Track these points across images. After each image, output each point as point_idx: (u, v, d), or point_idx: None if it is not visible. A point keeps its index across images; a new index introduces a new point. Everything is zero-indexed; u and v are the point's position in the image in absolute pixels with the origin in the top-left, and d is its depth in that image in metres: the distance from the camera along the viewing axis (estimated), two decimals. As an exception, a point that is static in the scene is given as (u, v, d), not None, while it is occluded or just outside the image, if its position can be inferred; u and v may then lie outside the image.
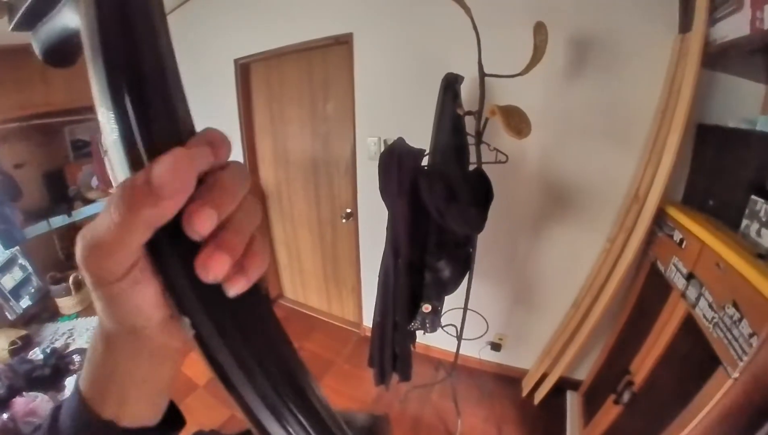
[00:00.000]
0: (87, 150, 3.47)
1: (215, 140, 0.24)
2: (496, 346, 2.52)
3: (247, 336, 0.25)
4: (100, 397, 0.29)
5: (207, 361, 0.24)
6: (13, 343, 2.29)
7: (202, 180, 0.23)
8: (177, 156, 0.21)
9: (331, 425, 0.27)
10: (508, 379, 2.52)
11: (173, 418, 0.35)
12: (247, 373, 0.24)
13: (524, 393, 2.36)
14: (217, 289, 0.24)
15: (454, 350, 2.13)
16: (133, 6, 0.22)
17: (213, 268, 0.22)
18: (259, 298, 0.26)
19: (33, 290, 2.84)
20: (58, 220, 3.16)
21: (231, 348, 0.24)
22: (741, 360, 0.98)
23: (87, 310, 2.90)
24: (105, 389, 0.29)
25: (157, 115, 0.22)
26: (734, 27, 1.23)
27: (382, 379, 1.98)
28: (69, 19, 0.27)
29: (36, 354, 2.23)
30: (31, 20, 0.31)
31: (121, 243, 0.21)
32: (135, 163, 0.22)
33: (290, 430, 0.25)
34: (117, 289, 0.23)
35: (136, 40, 0.22)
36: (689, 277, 1.33)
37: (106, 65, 0.21)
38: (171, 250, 0.23)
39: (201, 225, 0.22)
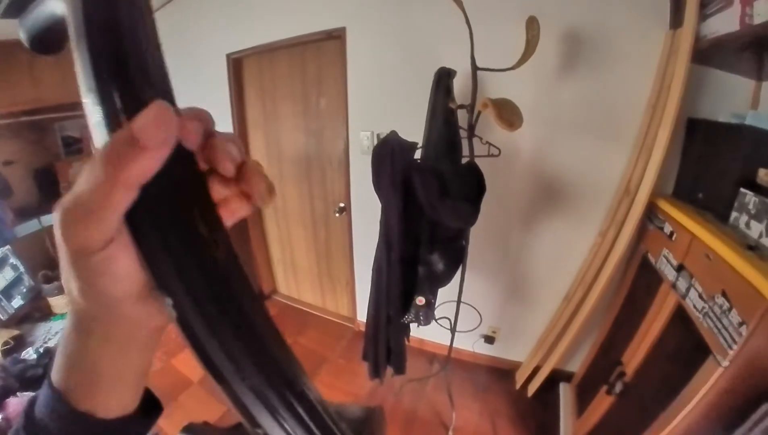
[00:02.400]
0: (78, 146, 3.45)
1: (200, 115, 0.25)
2: (489, 339, 2.54)
3: (234, 320, 0.24)
4: (75, 388, 0.28)
5: (190, 345, 0.23)
6: (5, 343, 2.27)
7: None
8: (159, 106, 0.21)
9: (325, 415, 0.26)
10: (502, 372, 2.54)
11: (150, 406, 0.35)
12: (232, 357, 0.24)
13: (518, 385, 2.38)
14: (201, 270, 0.23)
15: (448, 343, 2.14)
16: None
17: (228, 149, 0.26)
18: (244, 283, 0.25)
19: (25, 290, 2.81)
20: (49, 219, 3.12)
21: (217, 332, 0.23)
22: (731, 349, 1.00)
23: (79, 309, 2.88)
24: (79, 379, 0.28)
25: (140, 96, 0.22)
26: (724, 23, 1.25)
27: (376, 373, 1.98)
28: (55, 5, 0.27)
29: (29, 354, 2.20)
30: (17, 8, 0.32)
31: (105, 203, 0.21)
32: None
33: (282, 424, 0.25)
34: (96, 260, 0.23)
35: (120, 23, 0.22)
36: (679, 268, 1.35)
37: (89, 46, 0.21)
38: (154, 222, 0.23)
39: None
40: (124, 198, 0.21)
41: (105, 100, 0.21)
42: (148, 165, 0.21)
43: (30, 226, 3.03)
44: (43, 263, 3.07)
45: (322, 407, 0.26)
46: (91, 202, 0.21)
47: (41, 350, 2.23)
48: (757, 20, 1.10)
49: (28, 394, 1.84)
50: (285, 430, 0.25)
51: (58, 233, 0.22)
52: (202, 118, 0.25)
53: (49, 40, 0.33)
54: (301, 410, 0.25)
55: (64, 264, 0.24)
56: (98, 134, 0.22)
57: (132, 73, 0.22)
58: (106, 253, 0.23)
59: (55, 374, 0.29)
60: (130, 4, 0.22)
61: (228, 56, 2.75)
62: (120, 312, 0.26)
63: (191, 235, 0.23)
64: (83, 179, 0.21)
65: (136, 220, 0.23)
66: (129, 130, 0.20)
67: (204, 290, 0.23)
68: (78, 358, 0.28)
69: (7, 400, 1.80)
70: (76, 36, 0.22)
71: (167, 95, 0.23)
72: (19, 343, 2.36)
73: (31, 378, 1.98)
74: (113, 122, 0.21)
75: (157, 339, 0.31)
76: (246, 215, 0.30)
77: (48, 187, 3.29)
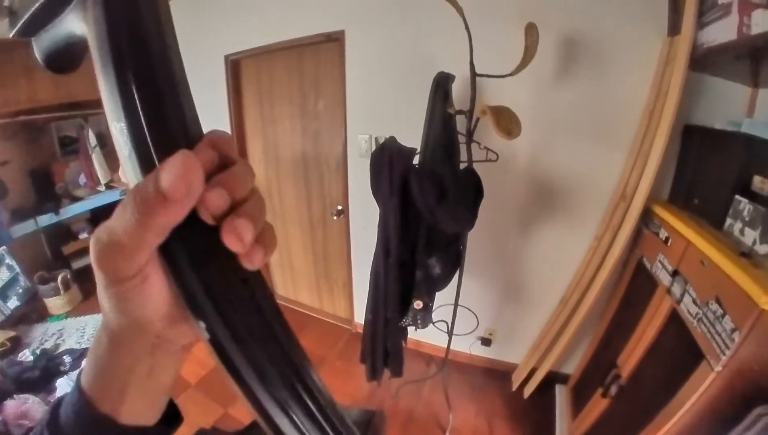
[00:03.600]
0: (74, 147, 3.43)
1: (220, 141, 0.25)
2: (486, 342, 2.55)
3: (260, 336, 0.25)
4: (101, 393, 0.29)
5: (221, 363, 0.24)
6: (2, 344, 2.26)
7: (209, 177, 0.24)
8: (184, 159, 0.21)
9: (336, 421, 0.28)
10: (498, 374, 2.55)
11: (171, 416, 0.35)
12: (260, 374, 0.25)
13: (514, 387, 2.39)
14: (230, 292, 0.24)
15: (445, 346, 2.16)
16: (143, 14, 0.22)
17: (239, 230, 0.23)
18: (268, 298, 0.27)
19: (21, 291, 2.81)
20: (46, 219, 3.11)
21: (245, 350, 0.24)
22: (723, 354, 1.01)
23: (76, 310, 2.88)
24: (107, 385, 0.29)
25: (170, 124, 0.23)
26: (722, 32, 1.27)
27: (374, 374, 1.99)
28: (74, 26, 0.27)
29: (26, 356, 2.20)
30: (34, 27, 0.31)
31: (137, 245, 0.22)
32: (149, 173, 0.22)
33: (302, 428, 0.26)
34: (128, 286, 0.24)
35: (147, 49, 0.22)
36: (674, 273, 1.37)
37: (118, 75, 0.22)
38: (185, 256, 0.24)
39: (213, 203, 0.23)
40: (154, 240, 0.22)
41: (136, 135, 0.22)
42: (174, 216, 0.22)
43: (26, 227, 3.00)
44: (39, 264, 3.06)
45: (338, 416, 0.28)
46: (124, 241, 0.22)
47: (38, 352, 2.23)
48: (755, 30, 1.11)
49: (26, 397, 1.84)
50: None
51: (92, 261, 0.23)
52: (218, 145, 0.25)
53: (66, 59, 0.34)
54: (319, 418, 0.27)
55: (99, 287, 0.25)
56: (128, 164, 0.23)
57: (162, 105, 0.23)
58: (137, 280, 0.24)
59: (84, 378, 0.30)
60: (155, 27, 0.23)
61: (226, 57, 2.75)
62: (150, 331, 0.27)
63: (221, 261, 0.24)
64: (117, 216, 0.22)
65: (168, 250, 0.24)
66: (156, 184, 0.21)
67: (235, 312, 0.25)
68: (107, 366, 0.29)
69: (4, 402, 1.80)
70: (101, 63, 0.22)
71: (195, 126, 0.24)
72: (16, 344, 2.35)
73: (28, 380, 1.97)
74: (144, 159, 0.22)
75: (185, 353, 0.32)
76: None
77: (44, 187, 3.27)
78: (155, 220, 0.21)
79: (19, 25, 0.32)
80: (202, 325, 0.24)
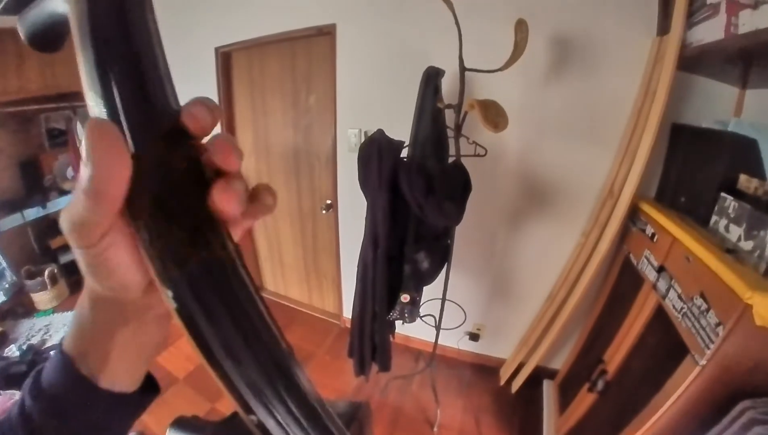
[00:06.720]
0: (63, 139, 3.38)
1: (204, 102, 0.26)
2: (474, 337, 2.56)
3: (232, 312, 0.25)
4: (83, 356, 0.29)
5: (189, 336, 0.24)
6: (-13, 339, 2.24)
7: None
8: (92, 124, 0.21)
9: (318, 407, 0.27)
10: (486, 369, 2.56)
11: (150, 388, 0.36)
12: (231, 351, 0.24)
13: (502, 382, 2.41)
14: (201, 263, 0.24)
15: (433, 340, 2.16)
16: None
17: (235, 191, 0.25)
18: (244, 278, 0.26)
19: (7, 285, 2.77)
20: (33, 212, 3.08)
21: (216, 324, 0.24)
22: (708, 348, 1.02)
23: (63, 305, 2.85)
24: (88, 348, 0.29)
25: (144, 99, 0.22)
26: (710, 31, 1.28)
27: (361, 369, 1.99)
28: (56, 4, 0.27)
29: (12, 351, 2.18)
30: (19, 4, 0.32)
31: (91, 213, 0.22)
32: None
33: (276, 414, 0.25)
34: (96, 251, 0.24)
35: (126, 24, 0.22)
36: (660, 269, 1.38)
37: (95, 49, 0.22)
38: (153, 219, 0.23)
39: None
40: (109, 210, 0.22)
41: (109, 104, 0.22)
42: (110, 184, 0.21)
43: (13, 220, 2.97)
44: (26, 258, 3.03)
45: (314, 399, 0.27)
46: (79, 211, 0.22)
47: (24, 347, 2.21)
48: (742, 30, 1.13)
49: (12, 392, 1.82)
50: (276, 419, 0.25)
51: (62, 228, 0.23)
52: (207, 104, 0.26)
53: (49, 38, 0.34)
54: (293, 400, 0.26)
55: (72, 249, 0.25)
56: None
57: (136, 77, 0.22)
58: (102, 245, 0.24)
59: (67, 341, 0.30)
60: (136, 7, 0.23)
61: (217, 49, 2.72)
62: (127, 299, 0.27)
63: (190, 227, 0.24)
64: (76, 192, 0.22)
65: (135, 214, 0.23)
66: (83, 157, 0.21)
67: (204, 281, 0.24)
68: (87, 327, 0.29)
69: (-10, 397, 1.78)
70: (80, 38, 0.22)
71: (169, 99, 0.24)
72: (2, 339, 2.33)
73: (15, 375, 1.95)
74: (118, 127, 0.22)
75: (165, 324, 0.32)
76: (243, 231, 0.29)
77: (32, 179, 3.23)
78: (100, 193, 0.21)
79: (3, 2, 0.32)
80: (169, 293, 0.24)
